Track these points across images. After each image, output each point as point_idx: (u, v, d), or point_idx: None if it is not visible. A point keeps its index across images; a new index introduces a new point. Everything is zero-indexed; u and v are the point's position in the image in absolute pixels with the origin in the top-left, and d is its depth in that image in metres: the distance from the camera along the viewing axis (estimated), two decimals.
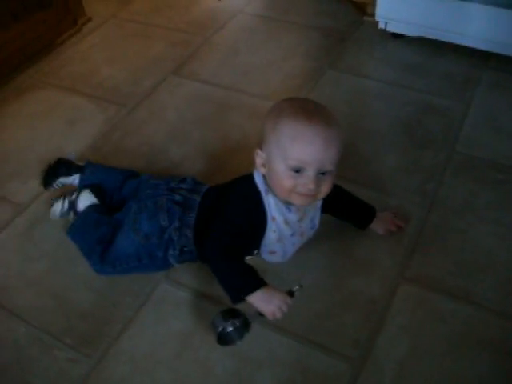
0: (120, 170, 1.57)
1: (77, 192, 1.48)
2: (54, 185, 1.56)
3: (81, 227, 1.43)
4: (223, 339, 1.19)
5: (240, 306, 1.19)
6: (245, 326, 1.19)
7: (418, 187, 1.56)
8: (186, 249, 1.32)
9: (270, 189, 1.21)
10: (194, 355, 1.22)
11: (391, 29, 2.09)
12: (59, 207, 1.48)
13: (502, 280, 1.33)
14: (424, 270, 1.36)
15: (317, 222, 1.32)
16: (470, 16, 1.87)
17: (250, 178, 1.24)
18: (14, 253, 1.46)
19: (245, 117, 1.83)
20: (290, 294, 1.18)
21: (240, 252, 1.25)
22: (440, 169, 1.61)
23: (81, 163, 1.58)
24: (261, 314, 1.17)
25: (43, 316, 1.31)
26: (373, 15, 2.11)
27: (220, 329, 1.17)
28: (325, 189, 1.17)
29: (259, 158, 1.20)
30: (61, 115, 1.89)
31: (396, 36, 2.11)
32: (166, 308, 1.31)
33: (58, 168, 1.57)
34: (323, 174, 1.14)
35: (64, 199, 1.49)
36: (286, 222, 1.23)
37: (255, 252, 1.30)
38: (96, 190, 1.48)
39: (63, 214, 1.48)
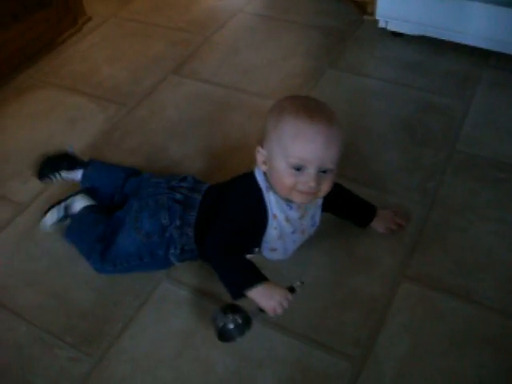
0: (122, 167, 1.57)
1: (71, 197, 1.47)
2: (52, 177, 1.57)
3: (78, 228, 1.43)
4: (223, 335, 1.18)
5: (241, 303, 1.19)
6: (246, 322, 1.19)
7: (418, 186, 1.56)
8: (186, 247, 1.32)
9: (270, 186, 1.21)
10: (194, 354, 1.22)
11: (391, 27, 2.09)
12: (55, 215, 1.46)
13: (503, 279, 1.33)
14: (424, 268, 1.36)
15: (317, 219, 1.32)
16: (470, 14, 1.88)
17: (250, 176, 1.24)
18: (15, 252, 1.46)
19: (245, 116, 1.83)
20: (291, 289, 1.18)
21: (241, 249, 1.25)
22: (440, 167, 1.61)
23: (84, 159, 1.59)
24: (261, 310, 1.17)
25: (44, 315, 1.31)
26: (373, 14, 2.11)
27: (220, 324, 1.17)
28: (325, 187, 1.17)
29: (260, 155, 1.21)
30: (61, 115, 1.89)
31: (396, 35, 2.11)
32: (167, 307, 1.31)
33: (61, 162, 1.57)
34: (324, 172, 1.15)
35: (59, 205, 1.47)
36: (287, 219, 1.23)
37: (256, 250, 1.31)
38: (90, 193, 1.48)
39: (58, 222, 1.46)
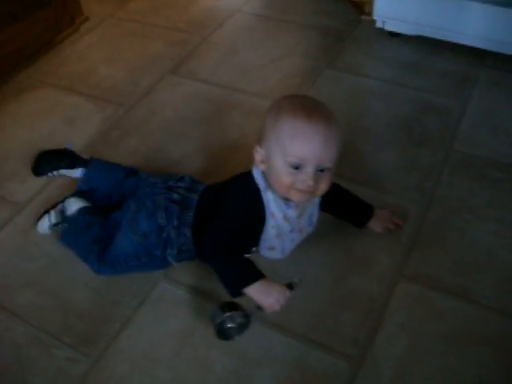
0: (121, 167, 1.57)
1: (66, 200, 1.47)
2: (50, 174, 1.57)
3: (73, 231, 1.42)
4: (222, 333, 1.18)
5: (239, 301, 1.19)
6: (245, 320, 1.18)
7: (416, 185, 1.56)
8: (184, 248, 1.32)
9: (269, 185, 1.21)
10: (192, 354, 1.22)
11: (389, 27, 2.09)
12: (50, 219, 1.46)
13: (501, 278, 1.33)
14: (422, 268, 1.36)
15: (315, 219, 1.32)
16: (468, 14, 1.88)
17: (248, 175, 1.24)
18: (13, 252, 1.46)
19: (243, 116, 1.83)
20: (290, 286, 1.18)
21: (238, 247, 1.25)
22: (438, 167, 1.61)
23: (85, 156, 1.59)
24: (260, 308, 1.17)
25: (42, 315, 1.31)
26: (370, 14, 2.11)
27: (218, 321, 1.17)
28: (323, 186, 1.17)
29: (258, 154, 1.21)
30: (59, 114, 1.89)
31: (393, 35, 2.11)
32: (165, 307, 1.31)
33: (61, 159, 1.57)
34: (322, 171, 1.15)
35: (54, 209, 1.47)
36: (285, 217, 1.23)
37: (254, 249, 1.31)
38: (85, 195, 1.48)
39: (53, 226, 1.46)
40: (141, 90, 1.97)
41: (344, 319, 1.27)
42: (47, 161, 1.59)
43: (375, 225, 1.43)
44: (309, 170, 1.13)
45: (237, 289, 1.18)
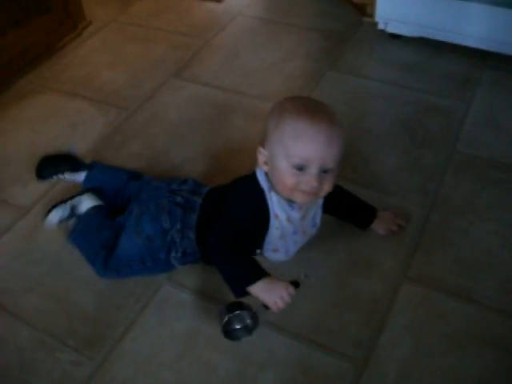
0: (124, 170, 1.57)
1: (78, 196, 1.48)
2: (54, 177, 1.59)
3: (83, 231, 1.43)
4: (228, 333, 1.18)
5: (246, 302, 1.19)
6: (252, 322, 1.17)
7: (418, 187, 1.56)
8: (188, 250, 1.32)
9: (272, 186, 1.21)
10: (196, 356, 1.22)
11: (390, 29, 2.09)
12: (59, 214, 1.47)
13: (504, 279, 1.33)
14: (425, 269, 1.36)
15: (318, 220, 1.32)
16: (469, 15, 1.88)
17: (252, 177, 1.24)
18: (17, 256, 1.46)
19: (246, 119, 1.84)
20: (295, 284, 1.17)
21: (242, 248, 1.24)
22: (441, 168, 1.61)
23: (87, 161, 1.60)
24: (265, 307, 1.16)
25: (46, 319, 1.31)
26: (372, 16, 2.12)
27: (225, 320, 1.16)
28: (326, 187, 1.17)
29: (262, 155, 1.21)
30: (62, 119, 1.89)
31: (395, 36, 2.11)
32: (169, 310, 1.31)
33: (64, 163, 1.58)
34: (325, 172, 1.15)
35: (65, 207, 1.47)
36: (289, 219, 1.24)
37: (258, 251, 1.31)
38: (97, 193, 1.49)
39: (62, 221, 1.47)
40: (144, 94, 1.98)
41: (348, 321, 1.27)
42: (50, 165, 1.60)
43: (378, 226, 1.43)
44: (312, 170, 1.14)
45: (241, 288, 1.18)
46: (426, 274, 1.35)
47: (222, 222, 1.23)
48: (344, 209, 1.41)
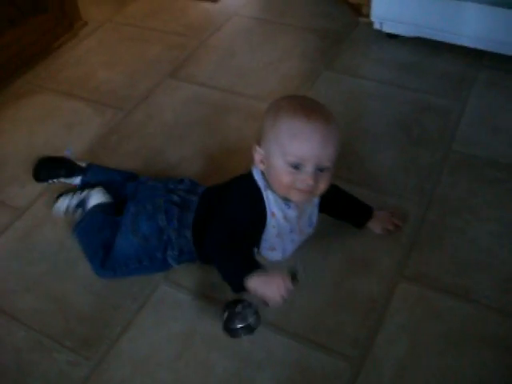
0: (119, 171, 1.58)
1: (87, 190, 1.48)
2: (50, 181, 1.58)
3: (86, 228, 1.43)
4: (229, 329, 1.17)
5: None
6: (254, 319, 1.17)
7: (415, 186, 1.56)
8: (184, 249, 1.32)
9: (268, 185, 1.22)
10: (193, 356, 1.22)
11: (386, 29, 2.09)
12: (66, 203, 1.48)
13: (501, 278, 1.33)
14: (422, 268, 1.36)
15: (314, 219, 1.32)
16: (465, 15, 1.88)
17: (248, 176, 1.25)
18: (14, 256, 1.46)
19: (242, 119, 1.84)
20: (292, 276, 1.15)
21: (239, 246, 1.23)
22: (437, 168, 1.61)
23: (82, 163, 1.60)
24: (264, 303, 1.15)
25: (43, 319, 1.31)
26: (368, 16, 2.12)
27: (226, 316, 1.15)
28: (322, 185, 1.18)
29: (258, 154, 1.21)
30: (58, 119, 1.89)
31: (391, 36, 2.12)
32: (166, 309, 1.31)
33: (59, 168, 1.57)
34: (321, 170, 1.16)
35: (73, 196, 1.48)
36: (285, 217, 1.24)
37: (255, 251, 1.31)
38: (108, 188, 1.49)
39: (69, 212, 1.48)
40: (140, 94, 1.98)
41: (344, 320, 1.27)
42: (46, 169, 1.60)
43: (374, 226, 1.43)
44: (308, 169, 1.14)
45: (238, 282, 1.16)
46: (423, 273, 1.35)
47: (219, 221, 1.23)
48: (340, 208, 1.41)
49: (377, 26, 2.11)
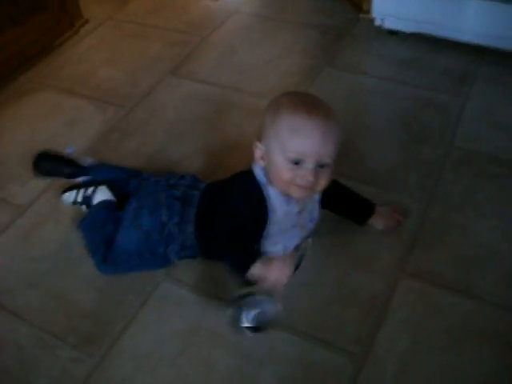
0: (123, 169, 1.57)
1: (93, 187, 1.48)
2: (49, 179, 1.58)
3: (90, 224, 1.43)
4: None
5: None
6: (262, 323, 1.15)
7: (416, 182, 1.56)
8: (186, 244, 1.32)
9: (269, 181, 1.22)
10: (196, 353, 1.22)
11: (387, 25, 2.09)
12: (73, 196, 1.49)
13: (503, 273, 1.33)
14: (424, 264, 1.36)
15: (316, 215, 1.33)
16: (466, 11, 1.88)
17: (249, 172, 1.25)
18: (15, 254, 1.46)
19: (243, 115, 1.84)
20: (299, 258, 1.15)
21: (242, 241, 1.23)
22: (439, 164, 1.61)
23: (86, 160, 1.58)
24: (269, 294, 1.13)
25: (45, 316, 1.31)
26: (369, 12, 2.12)
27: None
28: (323, 182, 1.18)
29: (258, 150, 1.22)
30: (60, 117, 1.89)
31: (392, 32, 2.11)
32: (168, 306, 1.32)
33: (61, 168, 1.55)
34: (321, 167, 1.16)
35: (78, 193, 1.48)
36: (287, 213, 1.24)
37: (256, 247, 1.31)
38: (111, 186, 1.49)
39: (76, 203, 1.49)
40: (141, 92, 1.98)
41: (346, 316, 1.27)
42: (47, 165, 1.58)
43: (376, 222, 1.43)
44: (308, 165, 1.14)
45: (243, 272, 1.16)
46: (425, 270, 1.35)
47: (222, 217, 1.24)
48: (342, 204, 1.41)
49: (378, 22, 2.10)
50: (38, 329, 1.29)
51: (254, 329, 1.14)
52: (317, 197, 1.30)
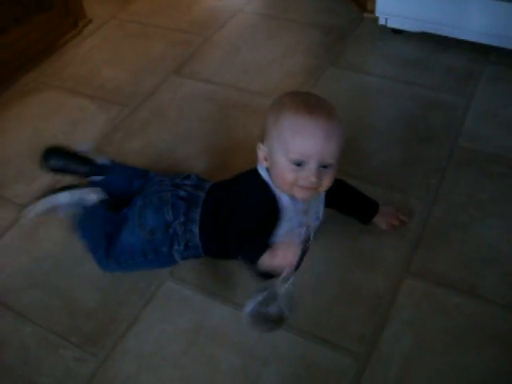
0: (135, 169, 1.55)
1: (86, 188, 1.47)
2: (59, 176, 1.55)
3: (88, 223, 1.42)
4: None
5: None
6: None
7: (420, 182, 1.56)
8: (190, 244, 1.32)
9: (273, 181, 1.21)
10: (199, 352, 1.22)
11: (391, 24, 2.09)
12: (67, 198, 1.45)
13: (507, 273, 1.33)
14: (428, 264, 1.36)
15: (321, 214, 1.32)
16: (470, 10, 1.87)
17: (256, 171, 1.24)
18: (20, 254, 1.46)
19: (246, 115, 1.83)
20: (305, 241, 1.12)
21: (257, 235, 1.20)
22: (443, 163, 1.61)
23: (98, 160, 1.53)
24: (284, 278, 1.10)
25: (49, 316, 1.31)
26: (373, 11, 2.11)
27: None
28: (326, 182, 1.17)
29: (261, 151, 1.21)
30: (63, 116, 1.90)
31: (396, 32, 2.11)
32: (172, 306, 1.32)
33: (74, 167, 1.51)
34: (325, 167, 1.15)
35: (74, 191, 1.46)
36: (295, 212, 1.23)
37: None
38: (103, 187, 1.48)
39: (69, 205, 1.44)
40: (144, 91, 1.98)
41: (350, 316, 1.27)
42: (58, 165, 1.52)
43: (380, 221, 1.43)
44: (311, 166, 1.14)
45: (254, 264, 1.15)
46: (429, 269, 1.35)
47: (236, 216, 1.22)
48: (346, 203, 1.41)
49: (382, 21, 2.10)
50: (42, 328, 1.29)
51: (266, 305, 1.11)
52: (322, 195, 1.30)
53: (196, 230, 1.31)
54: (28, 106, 1.95)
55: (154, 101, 1.94)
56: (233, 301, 1.30)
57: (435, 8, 1.93)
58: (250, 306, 1.10)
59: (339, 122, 1.16)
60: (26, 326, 1.30)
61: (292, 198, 1.22)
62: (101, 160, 1.54)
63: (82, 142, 1.63)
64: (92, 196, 1.45)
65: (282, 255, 1.12)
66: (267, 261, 1.14)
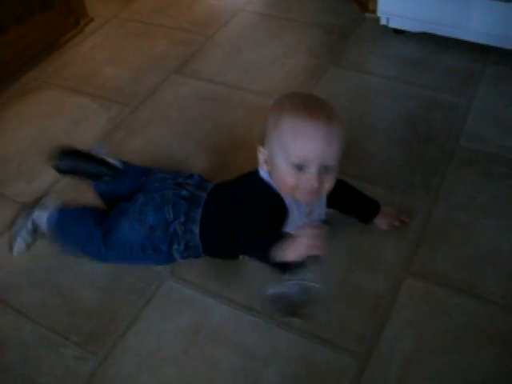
0: (141, 169, 1.51)
1: (31, 212, 1.41)
2: (69, 177, 1.52)
3: (70, 222, 1.39)
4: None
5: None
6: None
7: (421, 182, 1.56)
8: (190, 244, 1.32)
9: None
10: (199, 352, 1.22)
11: (393, 25, 2.09)
12: (22, 239, 1.40)
13: (507, 274, 1.33)
14: (428, 264, 1.36)
15: (323, 214, 1.32)
16: (472, 10, 1.87)
17: (258, 174, 1.24)
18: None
19: (248, 114, 1.83)
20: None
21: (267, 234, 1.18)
22: (444, 163, 1.61)
23: (113, 162, 1.47)
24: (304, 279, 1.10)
25: (49, 314, 1.31)
26: (374, 11, 2.11)
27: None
28: (327, 185, 1.17)
29: (262, 154, 1.21)
30: (65, 115, 1.90)
31: (398, 32, 2.11)
32: (172, 305, 1.32)
33: (88, 168, 1.44)
34: (326, 169, 1.14)
35: (24, 227, 1.40)
36: (298, 214, 1.23)
37: None
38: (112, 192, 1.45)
39: (31, 243, 1.41)
40: (146, 90, 1.98)
41: (350, 316, 1.27)
42: (71, 166, 1.45)
43: (381, 221, 1.43)
44: (312, 170, 1.13)
45: (277, 260, 1.11)
46: (429, 269, 1.35)
47: (247, 217, 1.20)
48: (347, 203, 1.41)
49: (383, 21, 2.10)
50: (42, 327, 1.29)
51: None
52: (324, 197, 1.29)
53: (196, 230, 1.31)
54: (29, 104, 1.95)
55: (155, 100, 1.94)
56: (233, 301, 1.30)
57: (436, 8, 1.93)
58: (273, 289, 1.10)
59: (339, 123, 1.15)
60: (26, 325, 1.30)
61: (295, 200, 1.22)
62: (113, 161, 1.47)
63: (99, 142, 1.63)
64: (43, 214, 1.39)
65: (293, 248, 1.08)
66: (282, 255, 1.09)
